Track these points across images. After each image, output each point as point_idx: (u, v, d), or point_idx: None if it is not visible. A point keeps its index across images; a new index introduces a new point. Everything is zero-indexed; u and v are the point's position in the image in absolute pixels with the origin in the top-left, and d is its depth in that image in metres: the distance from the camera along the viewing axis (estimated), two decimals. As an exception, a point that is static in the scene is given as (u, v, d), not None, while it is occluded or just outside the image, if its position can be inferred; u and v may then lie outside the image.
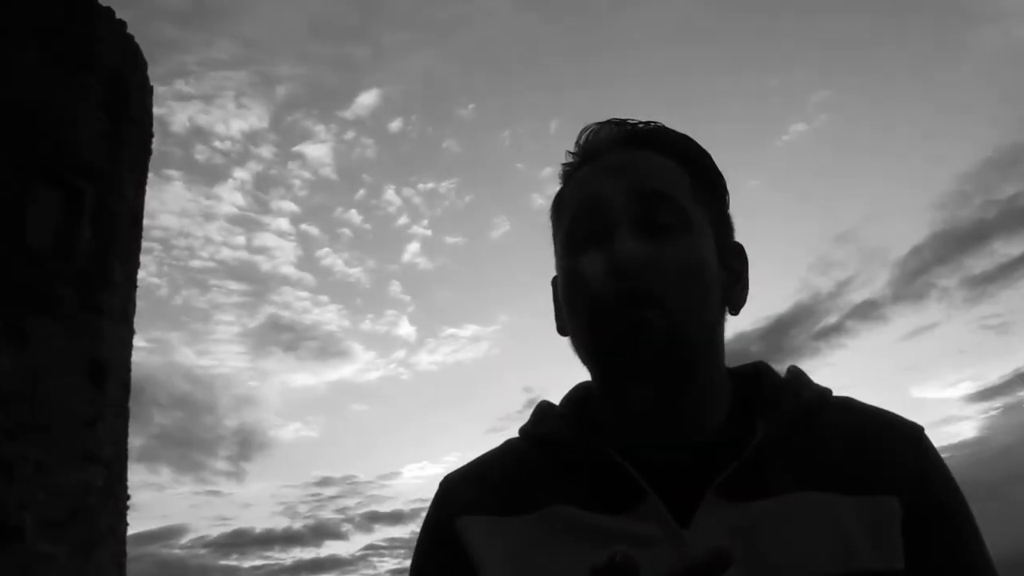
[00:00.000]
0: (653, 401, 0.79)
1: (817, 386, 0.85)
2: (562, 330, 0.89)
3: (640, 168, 0.82)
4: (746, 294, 0.87)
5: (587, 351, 0.82)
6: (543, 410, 0.91)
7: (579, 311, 0.80)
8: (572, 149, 0.90)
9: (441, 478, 0.92)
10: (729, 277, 0.84)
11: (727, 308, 0.84)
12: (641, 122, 0.87)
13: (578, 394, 0.91)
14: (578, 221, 0.83)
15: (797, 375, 0.87)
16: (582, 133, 0.89)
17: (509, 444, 0.91)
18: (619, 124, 0.87)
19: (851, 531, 0.72)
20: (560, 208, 0.89)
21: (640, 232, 0.78)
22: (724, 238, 0.86)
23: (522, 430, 0.91)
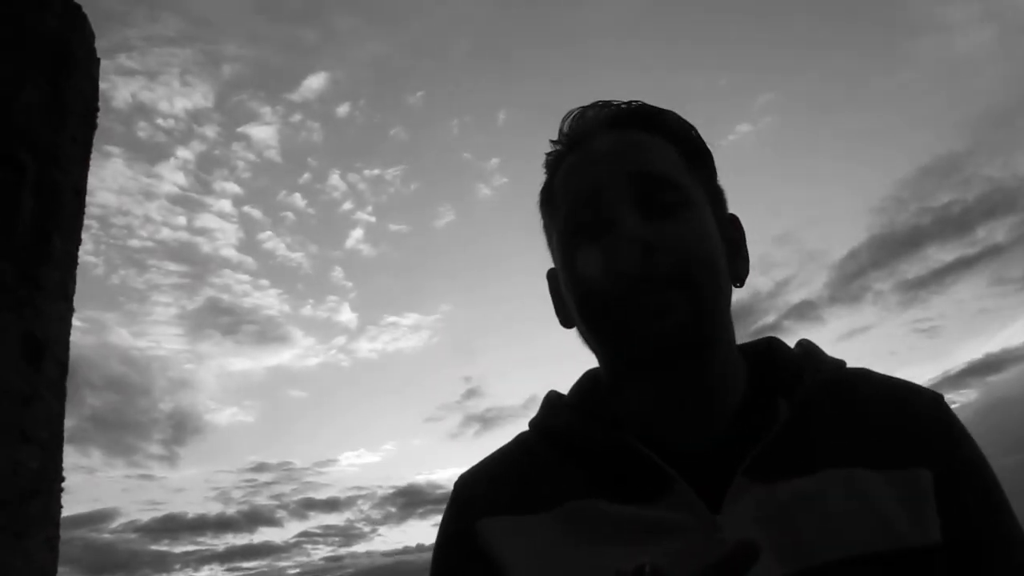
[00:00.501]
0: (676, 383, 0.78)
1: (833, 359, 0.85)
2: (566, 322, 0.89)
3: (632, 150, 0.81)
4: (747, 265, 0.86)
5: (604, 339, 0.81)
6: (552, 402, 0.90)
7: (592, 300, 0.79)
8: (555, 137, 0.88)
9: (457, 478, 0.90)
10: (729, 249, 0.84)
11: (733, 281, 0.83)
12: (624, 102, 0.85)
13: (588, 383, 0.90)
14: (577, 212, 0.82)
15: (811, 349, 0.86)
16: (565, 119, 0.88)
17: (521, 439, 0.90)
18: (603, 106, 0.85)
19: (887, 507, 0.71)
20: (551, 200, 0.88)
21: (643, 214, 0.78)
22: (719, 210, 0.85)
23: (533, 423, 0.89)
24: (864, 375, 0.84)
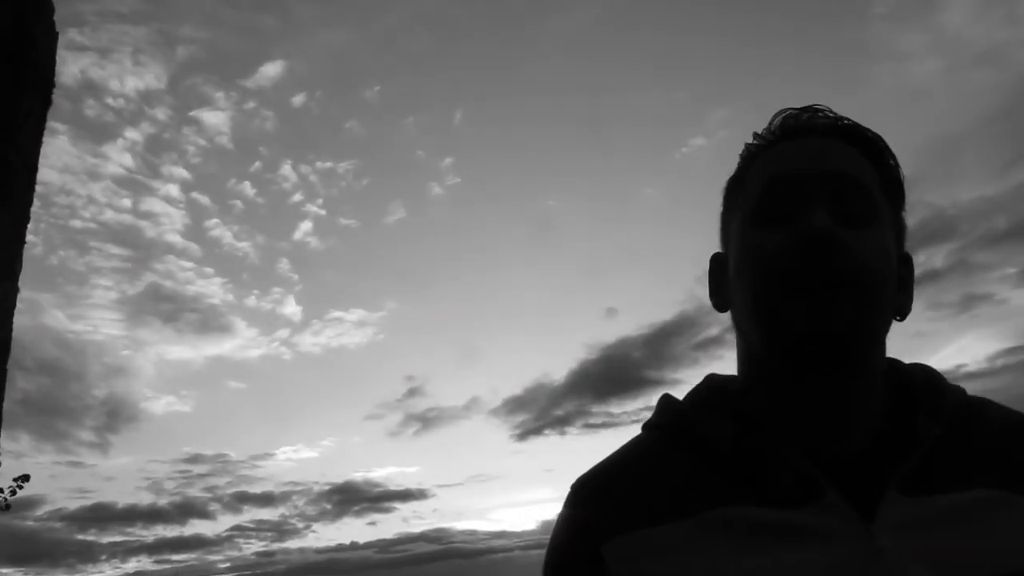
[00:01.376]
0: (827, 387, 0.79)
1: (955, 384, 0.87)
2: (721, 306, 0.90)
3: (837, 155, 0.83)
4: (911, 304, 0.87)
5: (766, 325, 0.79)
6: (675, 405, 0.89)
7: (762, 285, 0.79)
8: (760, 131, 0.90)
9: (570, 488, 0.87)
10: (899, 282, 0.84)
11: (895, 312, 0.84)
12: (838, 115, 0.87)
13: (716, 386, 0.90)
14: (770, 196, 0.83)
15: (934, 373, 0.88)
16: (777, 115, 0.89)
17: (639, 442, 0.89)
18: (819, 111, 0.87)
19: None
20: (739, 185, 0.89)
21: (835, 216, 0.78)
22: (900, 242, 0.86)
23: (655, 425, 0.89)
24: (987, 403, 0.87)
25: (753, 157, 0.89)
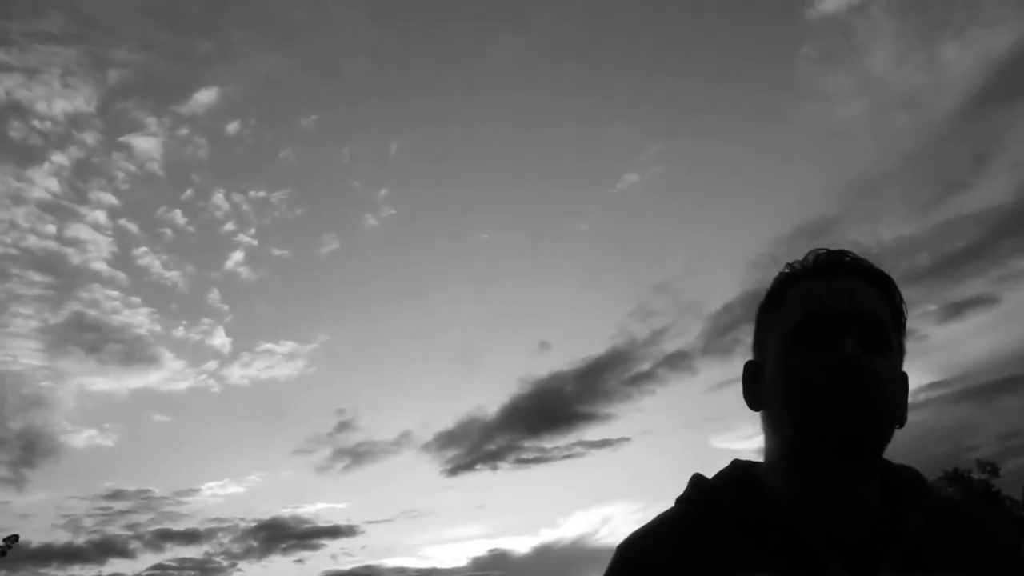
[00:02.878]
0: (846, 476, 0.97)
1: (934, 484, 1.06)
2: (755, 406, 1.09)
3: (862, 295, 1.02)
4: (906, 413, 1.05)
5: (801, 426, 0.98)
6: (708, 483, 1.07)
7: (799, 395, 0.98)
8: (794, 261, 1.10)
9: (617, 550, 1.04)
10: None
11: (896, 420, 1.02)
12: (863, 259, 1.08)
13: (743, 470, 1.09)
14: (807, 324, 1.01)
15: (917, 473, 1.07)
16: (810, 253, 1.09)
17: (673, 514, 1.06)
18: (846, 254, 1.07)
19: None
20: (775, 306, 1.09)
21: (859, 344, 0.97)
22: (901, 364, 1.05)
23: (685, 501, 1.07)
24: (959, 501, 1.08)
25: (788, 284, 1.09)
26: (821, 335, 1.00)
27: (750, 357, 1.13)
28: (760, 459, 1.09)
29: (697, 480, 1.08)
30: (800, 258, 1.10)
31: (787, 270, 1.11)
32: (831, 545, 0.94)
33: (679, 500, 1.07)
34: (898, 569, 0.93)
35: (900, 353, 1.05)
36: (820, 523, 0.96)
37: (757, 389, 1.08)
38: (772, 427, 1.05)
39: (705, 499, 1.04)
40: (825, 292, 1.04)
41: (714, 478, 1.08)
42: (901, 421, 1.04)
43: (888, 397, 0.97)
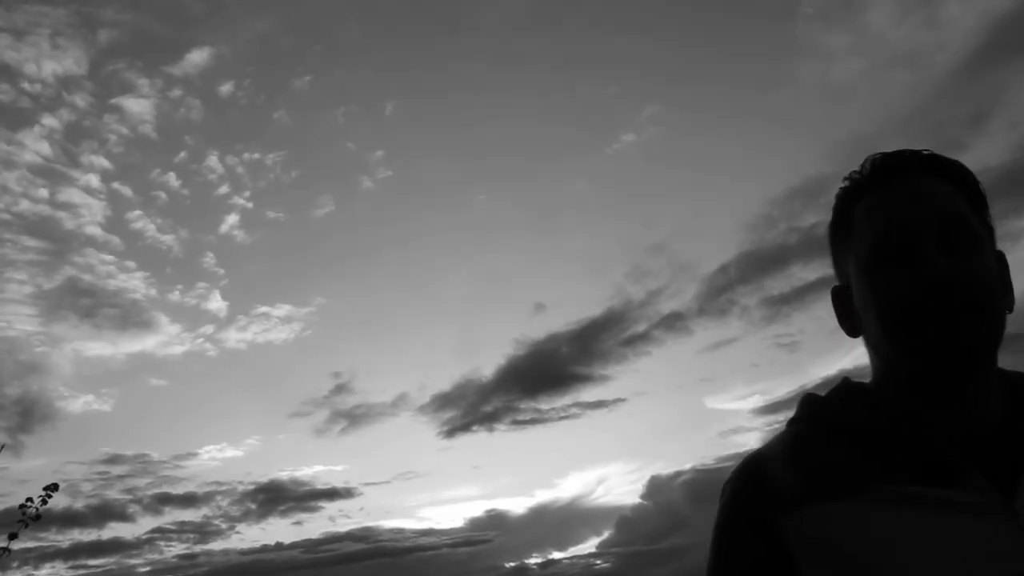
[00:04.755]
0: (961, 388, 0.93)
1: None
2: (852, 332, 1.04)
3: (936, 195, 0.96)
4: (1013, 297, 0.99)
5: (906, 348, 0.93)
6: (823, 399, 1.04)
7: (901, 316, 0.93)
8: (852, 172, 1.03)
9: (734, 471, 1.01)
10: (1001, 282, 0.97)
11: (1006, 309, 0.96)
12: (924, 151, 1.00)
13: (855, 387, 1.04)
14: (887, 241, 0.96)
15: None
16: (868, 160, 1.02)
17: (784, 436, 1.02)
18: (907, 152, 1.00)
19: None
20: (844, 227, 1.03)
21: (943, 249, 0.92)
22: (992, 244, 0.99)
23: (797, 420, 1.03)
24: None
25: (852, 199, 1.02)
26: (901, 252, 0.95)
27: (830, 280, 1.07)
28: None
29: (809, 398, 1.05)
30: (856, 168, 1.03)
31: (846, 183, 1.04)
32: (960, 452, 0.89)
33: (791, 421, 1.03)
34: None
35: (991, 236, 0.99)
36: (943, 433, 0.91)
37: (850, 315, 1.04)
38: (874, 350, 1.01)
39: (821, 415, 1.01)
40: (893, 203, 0.97)
41: (828, 394, 1.04)
42: (1010, 307, 0.98)
43: (987, 300, 0.92)
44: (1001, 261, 1.01)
